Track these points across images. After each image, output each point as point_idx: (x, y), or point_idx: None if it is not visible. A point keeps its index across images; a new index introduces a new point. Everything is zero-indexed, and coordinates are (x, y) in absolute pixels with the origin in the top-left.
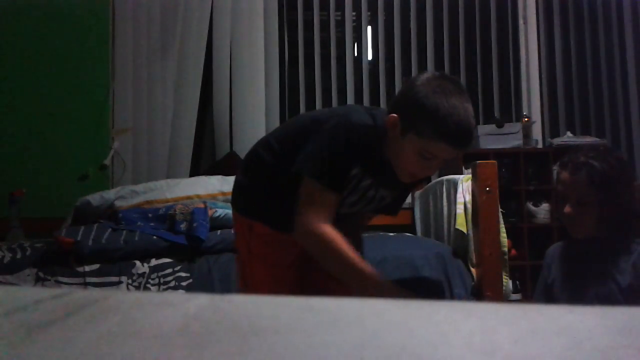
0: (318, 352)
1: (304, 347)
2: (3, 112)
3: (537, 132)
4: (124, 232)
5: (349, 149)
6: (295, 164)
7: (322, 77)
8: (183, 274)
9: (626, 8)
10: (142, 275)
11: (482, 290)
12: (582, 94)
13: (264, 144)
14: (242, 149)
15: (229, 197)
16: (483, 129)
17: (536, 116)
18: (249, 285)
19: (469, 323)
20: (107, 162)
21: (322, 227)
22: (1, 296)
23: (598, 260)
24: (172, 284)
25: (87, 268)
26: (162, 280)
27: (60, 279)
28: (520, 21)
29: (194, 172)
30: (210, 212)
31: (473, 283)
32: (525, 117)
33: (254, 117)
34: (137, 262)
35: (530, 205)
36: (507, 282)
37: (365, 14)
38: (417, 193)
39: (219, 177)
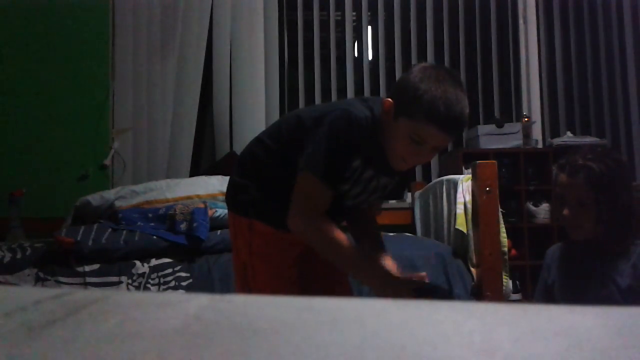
0: (318, 352)
1: (304, 347)
2: (3, 112)
3: (537, 132)
4: (124, 232)
5: (350, 142)
6: (300, 162)
7: (322, 77)
8: (183, 274)
9: (626, 8)
10: (142, 275)
11: (482, 290)
12: (582, 94)
13: (258, 143)
14: (242, 149)
15: None
16: (483, 129)
17: (536, 116)
18: (252, 287)
19: (469, 323)
20: (107, 162)
21: (320, 220)
22: (1, 296)
23: (597, 261)
24: (172, 284)
25: (87, 268)
26: (162, 280)
27: (60, 279)
28: (520, 21)
29: (194, 172)
30: (210, 212)
31: (473, 283)
32: (525, 117)
33: (254, 117)
34: (137, 262)
35: (530, 205)
36: (507, 282)
37: (365, 14)
38: (417, 193)
39: (219, 177)
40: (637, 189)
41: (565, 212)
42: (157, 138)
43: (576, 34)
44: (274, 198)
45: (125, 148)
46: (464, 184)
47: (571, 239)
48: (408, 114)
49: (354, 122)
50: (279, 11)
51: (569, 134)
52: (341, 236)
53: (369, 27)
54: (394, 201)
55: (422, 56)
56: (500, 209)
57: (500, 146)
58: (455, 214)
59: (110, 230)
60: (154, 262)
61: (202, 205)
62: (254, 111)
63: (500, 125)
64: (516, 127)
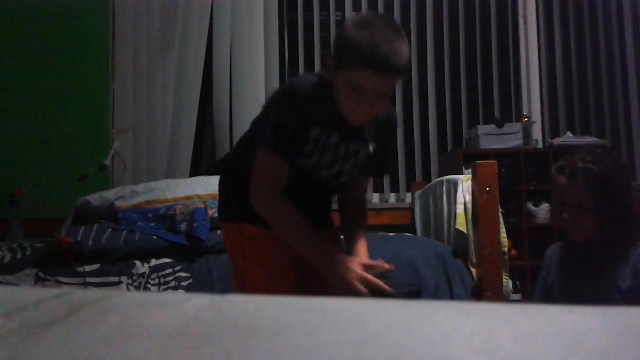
0: (318, 352)
1: (304, 347)
2: (3, 112)
3: (537, 132)
4: (124, 232)
5: (297, 112)
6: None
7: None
8: (183, 274)
9: (626, 8)
10: (142, 275)
11: (482, 290)
12: (582, 94)
13: (236, 147)
14: None
15: None
16: (483, 129)
17: (536, 116)
18: (250, 292)
19: (469, 323)
20: (107, 162)
21: (274, 195)
22: (1, 296)
23: (597, 263)
24: (172, 284)
25: (87, 268)
26: (162, 280)
27: (60, 279)
28: (520, 21)
29: (194, 172)
30: (210, 212)
31: (473, 283)
32: (525, 117)
33: (254, 117)
34: (137, 262)
35: (530, 205)
36: (507, 282)
37: None
38: (417, 193)
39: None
40: (638, 188)
41: (565, 215)
42: (157, 138)
43: (576, 34)
44: None
45: (125, 148)
46: (464, 184)
47: (571, 240)
48: (342, 65)
49: (297, 92)
50: (279, 11)
51: (569, 134)
52: (291, 210)
53: None
54: (393, 200)
55: (422, 56)
56: (500, 209)
57: (500, 146)
58: (455, 214)
59: (110, 230)
60: (154, 262)
61: (202, 205)
62: (254, 111)
63: (500, 125)
64: (516, 127)
